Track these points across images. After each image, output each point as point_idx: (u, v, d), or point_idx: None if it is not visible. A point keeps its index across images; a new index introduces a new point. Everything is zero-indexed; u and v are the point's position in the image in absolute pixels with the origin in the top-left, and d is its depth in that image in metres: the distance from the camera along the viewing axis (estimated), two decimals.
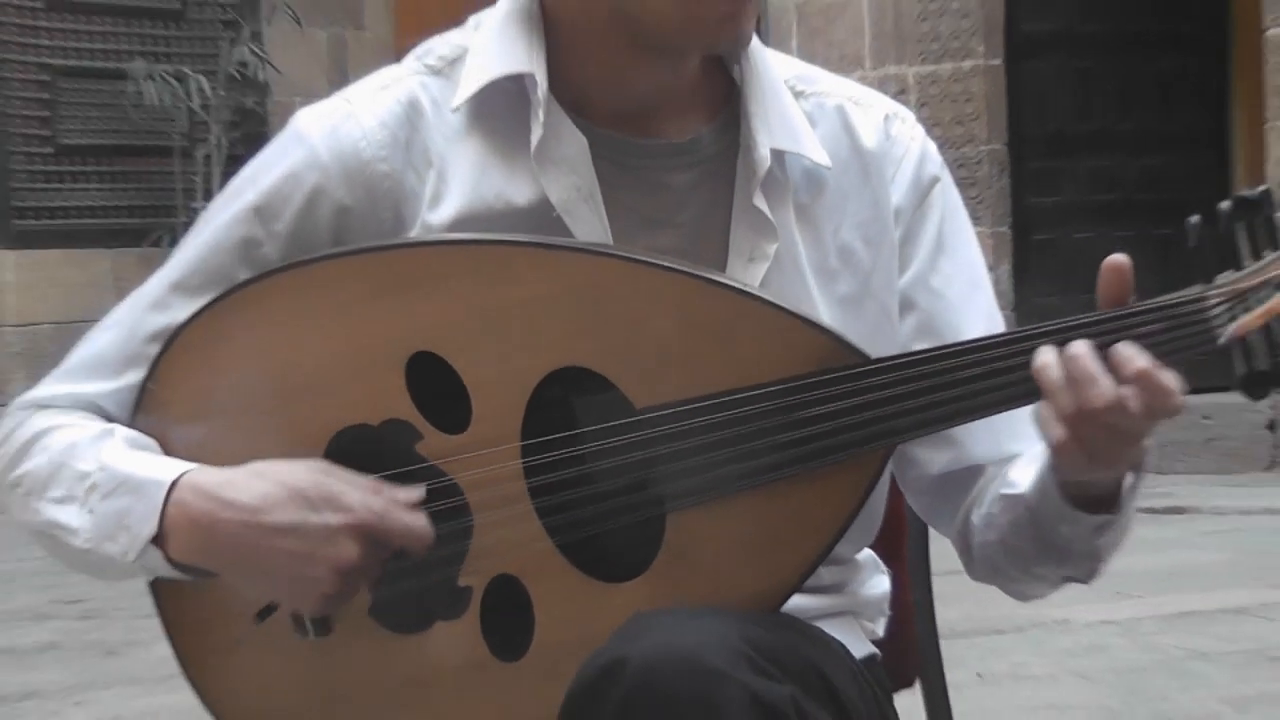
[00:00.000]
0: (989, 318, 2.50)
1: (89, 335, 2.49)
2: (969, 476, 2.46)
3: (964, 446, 2.45)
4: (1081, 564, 2.35)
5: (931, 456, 2.47)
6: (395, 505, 2.24)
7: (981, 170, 12.83)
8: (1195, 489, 11.19)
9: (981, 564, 2.47)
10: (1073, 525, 2.27)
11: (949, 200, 2.55)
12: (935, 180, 2.54)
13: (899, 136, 2.53)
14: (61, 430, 2.38)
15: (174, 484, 2.26)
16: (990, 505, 2.40)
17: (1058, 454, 2.15)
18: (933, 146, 2.57)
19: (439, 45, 2.47)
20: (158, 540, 2.27)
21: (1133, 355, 2.05)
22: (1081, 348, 2.05)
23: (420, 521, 2.24)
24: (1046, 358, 2.07)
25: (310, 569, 2.23)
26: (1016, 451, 2.41)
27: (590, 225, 2.35)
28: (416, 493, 2.26)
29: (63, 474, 2.34)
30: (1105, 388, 2.04)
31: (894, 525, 2.62)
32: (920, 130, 2.57)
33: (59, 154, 14.24)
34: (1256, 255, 2.11)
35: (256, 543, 2.23)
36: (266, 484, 2.24)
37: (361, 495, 2.23)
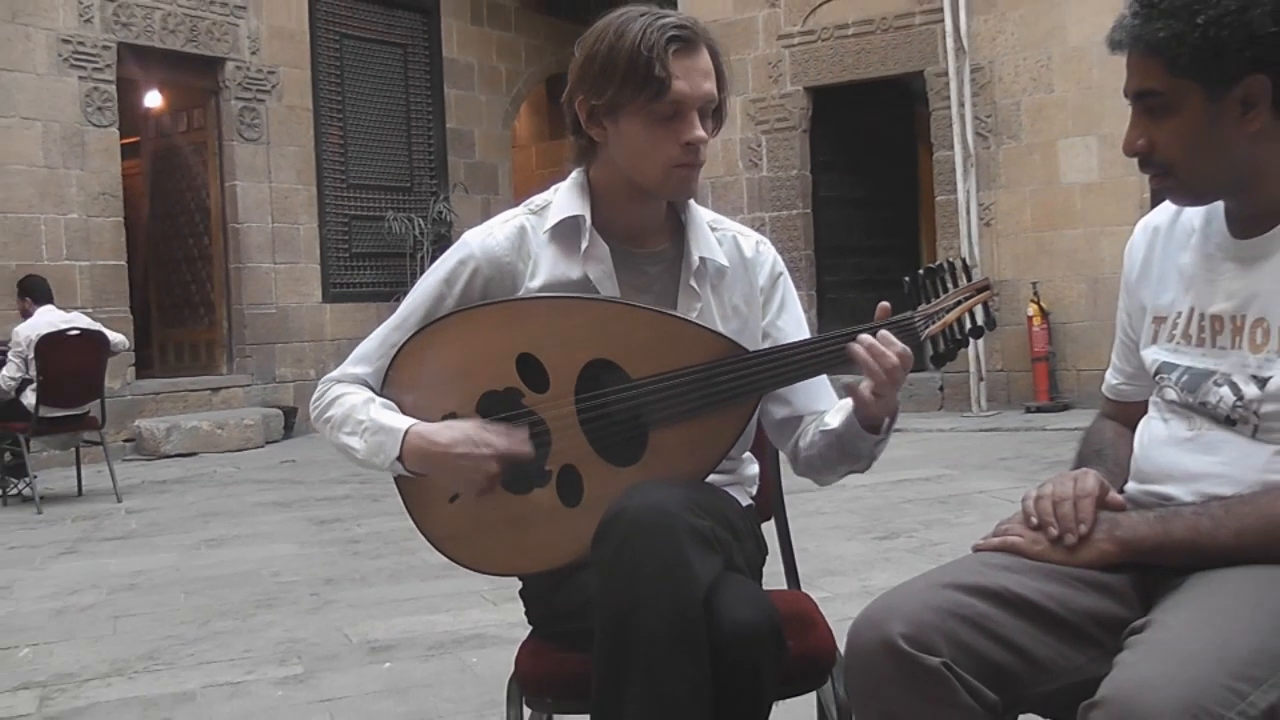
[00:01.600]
0: None
1: (362, 343, 2.47)
2: (796, 421, 2.43)
3: (793, 405, 2.42)
4: (862, 462, 2.34)
5: (777, 410, 2.44)
6: (516, 440, 2.22)
7: (802, 262, 12.79)
8: (906, 419, 11.10)
9: (803, 466, 2.43)
10: (864, 441, 2.27)
11: (787, 285, 2.53)
12: (780, 274, 2.52)
13: (763, 252, 2.51)
14: (348, 395, 2.37)
15: (407, 431, 2.26)
16: (812, 436, 2.38)
17: (861, 397, 2.17)
18: (779, 257, 2.56)
19: (538, 198, 2.44)
20: (399, 459, 2.26)
21: (889, 336, 2.12)
22: (870, 338, 2.13)
23: (528, 448, 2.23)
24: (857, 347, 2.12)
25: (474, 476, 2.23)
26: (821, 409, 2.40)
27: (609, 291, 2.33)
28: (525, 432, 2.23)
29: (349, 420, 2.33)
30: (890, 355, 2.10)
31: (760, 440, 2.57)
32: (773, 249, 2.55)
33: (352, 256, 14.29)
34: (936, 295, 2.20)
35: (448, 463, 2.23)
36: (453, 432, 2.23)
37: (499, 438, 2.22)
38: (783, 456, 2.64)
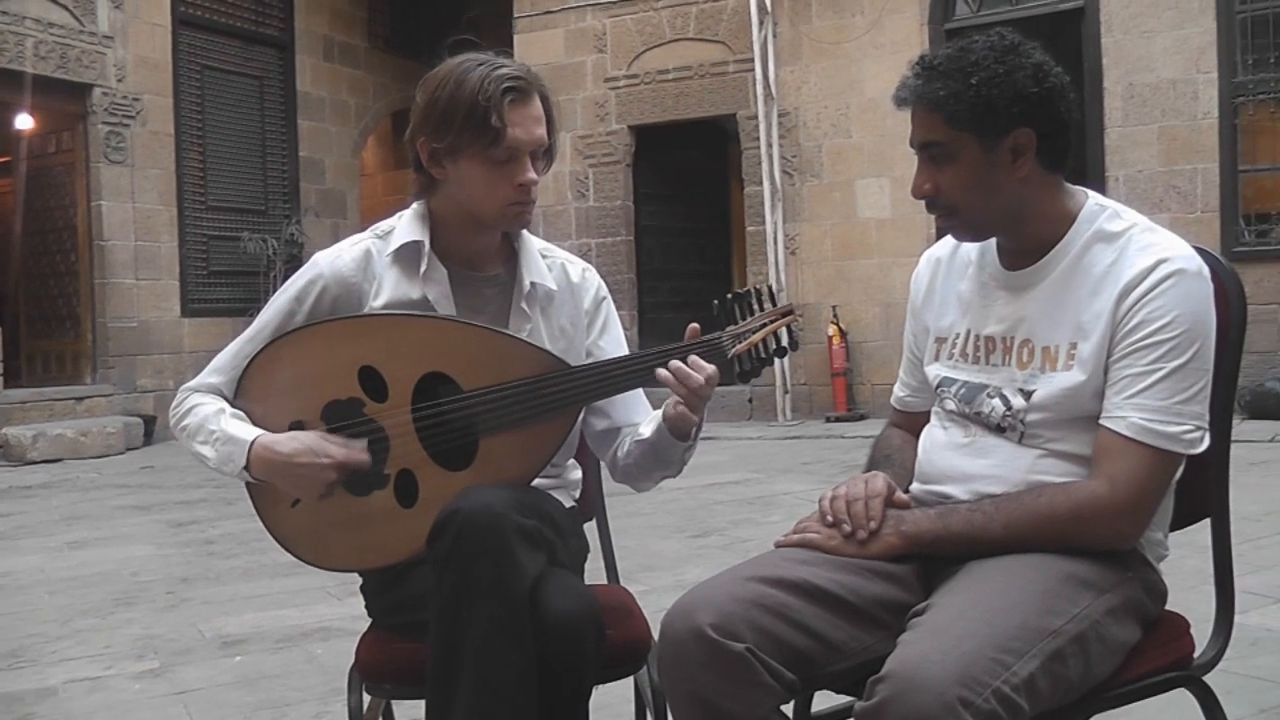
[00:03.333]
0: None
1: (217, 355, 2.41)
2: (615, 433, 2.43)
3: (612, 418, 2.42)
4: (674, 468, 2.34)
5: (597, 422, 2.44)
6: (353, 451, 2.20)
7: (625, 285, 12.83)
8: (718, 428, 11.27)
9: (621, 474, 2.43)
10: (674, 448, 2.27)
11: (610, 308, 2.53)
12: (604, 298, 2.52)
13: (589, 277, 2.51)
14: (201, 406, 2.31)
15: (253, 442, 2.22)
16: (629, 446, 2.38)
17: (674, 409, 2.19)
18: (603, 283, 2.56)
19: (383, 224, 2.41)
20: (246, 468, 2.22)
21: (698, 360, 2.12)
22: (678, 363, 2.12)
23: (364, 457, 2.20)
24: (664, 373, 2.12)
25: (312, 483, 2.20)
26: (637, 421, 2.40)
27: (447, 311, 2.31)
28: (364, 443, 2.21)
29: (202, 430, 2.27)
30: (696, 377, 2.11)
31: (584, 447, 2.56)
32: (597, 276, 2.55)
33: (210, 274, 13.99)
34: (743, 318, 2.18)
35: (289, 471, 2.20)
36: (295, 443, 2.20)
37: (337, 448, 2.19)
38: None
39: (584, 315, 2.49)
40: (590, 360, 2.43)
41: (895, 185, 11.43)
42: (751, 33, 12.07)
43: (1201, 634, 2.09)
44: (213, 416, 2.29)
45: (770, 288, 2.29)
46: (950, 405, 2.14)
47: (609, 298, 2.55)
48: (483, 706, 1.96)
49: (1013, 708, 1.65)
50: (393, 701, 2.53)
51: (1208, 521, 2.15)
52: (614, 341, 2.51)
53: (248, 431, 2.25)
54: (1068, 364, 1.98)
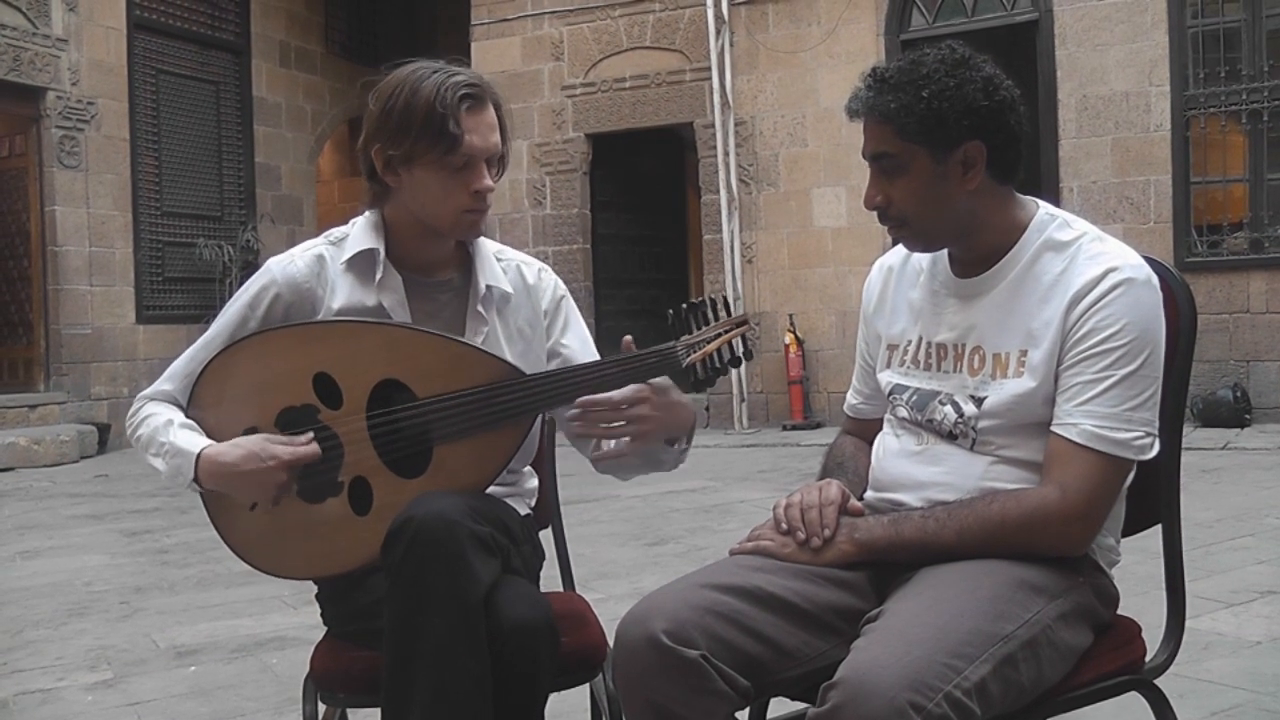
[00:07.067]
0: (594, 358, 2.48)
1: (173, 362, 2.40)
2: None
3: None
4: (666, 467, 2.41)
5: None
6: (299, 447, 2.19)
7: (581, 293, 12.80)
8: None
9: (604, 468, 2.42)
10: (666, 453, 2.36)
11: (570, 306, 2.54)
12: (562, 297, 2.53)
13: (545, 278, 2.52)
14: (153, 416, 2.31)
15: (198, 455, 2.21)
16: (618, 443, 2.34)
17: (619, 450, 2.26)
18: (560, 281, 2.56)
19: (336, 231, 2.41)
20: (196, 479, 2.22)
21: (641, 389, 2.17)
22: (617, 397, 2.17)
23: (312, 449, 2.20)
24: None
25: (263, 487, 2.19)
26: None
27: (402, 318, 2.31)
28: (309, 434, 2.21)
29: (153, 442, 2.27)
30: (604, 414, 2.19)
31: (540, 454, 2.57)
32: (554, 275, 2.55)
33: (165, 280, 13.88)
34: (698, 328, 2.16)
35: (238, 479, 2.19)
36: (239, 451, 2.19)
37: (281, 447, 2.19)
38: (562, 469, 2.65)
39: (543, 316, 2.49)
40: (556, 361, 2.45)
41: (851, 194, 11.48)
42: (708, 41, 12.11)
43: (1153, 638, 2.11)
44: (162, 428, 2.28)
45: (725, 298, 2.29)
46: (902, 412, 2.15)
47: (568, 295, 2.56)
48: (438, 714, 1.95)
49: (964, 712, 1.66)
50: (348, 710, 2.52)
51: (1159, 527, 2.18)
52: (578, 339, 2.52)
53: (194, 444, 2.25)
54: (1018, 371, 1.99)
